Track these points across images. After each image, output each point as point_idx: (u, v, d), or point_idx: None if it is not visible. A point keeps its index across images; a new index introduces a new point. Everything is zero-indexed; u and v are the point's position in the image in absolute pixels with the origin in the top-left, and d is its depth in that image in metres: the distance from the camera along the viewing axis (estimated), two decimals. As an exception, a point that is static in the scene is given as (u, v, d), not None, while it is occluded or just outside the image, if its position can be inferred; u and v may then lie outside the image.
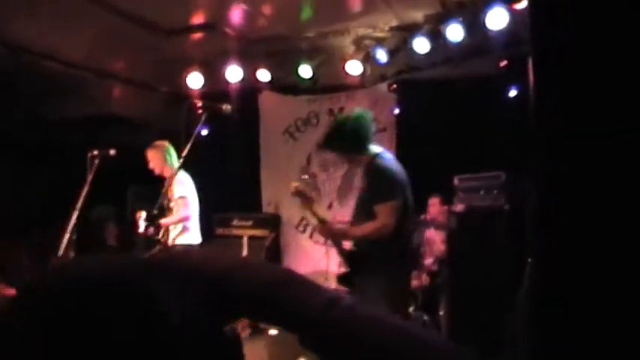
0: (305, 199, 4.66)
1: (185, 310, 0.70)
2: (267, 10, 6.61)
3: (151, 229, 5.86)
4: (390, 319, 0.86)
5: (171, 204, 6.06)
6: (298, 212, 8.44)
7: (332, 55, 7.64)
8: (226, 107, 4.75)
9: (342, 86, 8.22)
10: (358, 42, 7.33)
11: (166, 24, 6.83)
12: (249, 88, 8.27)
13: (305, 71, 7.78)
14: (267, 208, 8.70)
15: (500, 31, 6.12)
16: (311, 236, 8.33)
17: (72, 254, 5.20)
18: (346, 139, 4.43)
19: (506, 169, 5.88)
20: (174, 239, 6.07)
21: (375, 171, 4.36)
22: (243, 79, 7.96)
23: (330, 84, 8.26)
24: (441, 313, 6.24)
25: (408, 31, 6.86)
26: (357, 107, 7.83)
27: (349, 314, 0.84)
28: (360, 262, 4.41)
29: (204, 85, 7.98)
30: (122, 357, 0.64)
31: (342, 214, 7.60)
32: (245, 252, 7.88)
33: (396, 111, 7.69)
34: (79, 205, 5.19)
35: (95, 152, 5.57)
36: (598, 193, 1.15)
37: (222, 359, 0.75)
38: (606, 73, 1.14)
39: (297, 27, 7.02)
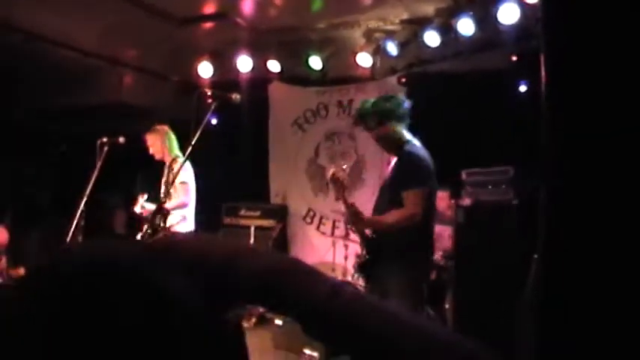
0: (340, 186, 4.63)
1: (188, 298, 0.70)
2: (278, 0, 6.61)
3: (147, 210, 5.87)
4: (395, 309, 0.86)
5: (170, 189, 5.98)
6: (305, 203, 8.47)
7: (342, 47, 7.63)
8: (236, 97, 4.74)
9: (351, 78, 8.21)
10: (369, 34, 7.32)
11: (178, 13, 6.83)
12: (259, 78, 8.27)
13: (315, 63, 7.77)
14: (275, 199, 8.71)
15: (511, 26, 6.10)
16: (318, 227, 8.35)
17: (80, 241, 5.23)
18: (387, 109, 4.43)
19: (515, 164, 5.87)
20: (171, 226, 5.97)
21: (405, 157, 4.34)
22: (253, 69, 7.97)
23: (339, 76, 8.25)
24: (447, 307, 6.24)
25: (419, 24, 6.85)
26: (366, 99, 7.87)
27: (353, 303, 0.84)
28: (380, 249, 4.40)
29: (214, 75, 8.00)
30: (129, 341, 0.64)
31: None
32: (252, 242, 7.90)
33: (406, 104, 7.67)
34: (87, 192, 5.21)
35: (104, 140, 5.58)
36: (608, 190, 1.15)
37: (224, 347, 0.76)
38: (619, 68, 1.14)
39: (307, 18, 7.01)
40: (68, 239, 5.07)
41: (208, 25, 7.26)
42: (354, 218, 4.43)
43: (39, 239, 7.77)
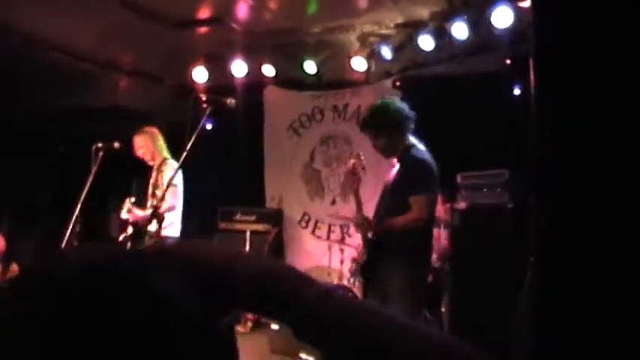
0: (356, 179, 4.65)
1: (183, 300, 0.70)
2: (272, 4, 6.62)
3: (134, 214, 5.78)
4: (390, 312, 0.86)
5: (158, 191, 5.88)
6: (301, 208, 8.47)
7: (337, 51, 7.64)
8: (230, 101, 4.75)
9: (346, 82, 8.22)
10: (363, 38, 7.33)
11: (174, 17, 6.84)
12: (254, 82, 8.27)
13: (310, 67, 7.79)
14: (271, 203, 8.71)
15: (505, 29, 6.12)
16: (313, 232, 8.35)
17: (76, 244, 5.22)
18: (391, 116, 4.45)
19: (510, 166, 5.88)
20: (159, 231, 5.87)
21: (411, 161, 4.38)
22: (248, 73, 7.98)
23: (334, 80, 8.26)
24: (444, 310, 6.24)
25: (414, 28, 6.86)
26: (361, 103, 7.89)
27: (345, 305, 0.84)
28: (381, 251, 4.43)
29: (209, 79, 8.01)
30: (127, 342, 0.64)
31: (346, 209, 7.60)
32: (248, 246, 7.90)
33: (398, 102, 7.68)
34: (83, 196, 5.21)
35: (99, 145, 5.58)
36: (598, 190, 1.16)
37: (216, 352, 0.76)
38: (606, 72, 1.15)
39: (302, 22, 7.03)
40: (63, 244, 5.07)
41: (203, 29, 7.28)
42: (364, 223, 4.46)
43: (37, 241, 7.75)
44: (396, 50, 7.22)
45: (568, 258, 1.19)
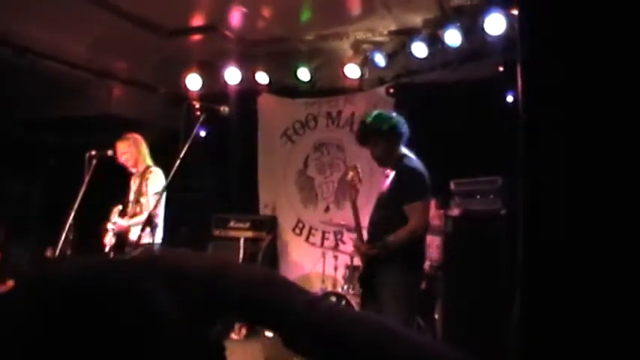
0: (354, 191, 4.71)
1: (172, 310, 0.71)
2: (266, 12, 6.64)
3: (118, 225, 5.73)
4: (377, 319, 0.87)
5: (142, 198, 5.79)
6: (295, 215, 8.46)
7: (331, 59, 7.66)
8: (224, 109, 4.76)
9: (340, 89, 8.23)
10: (357, 45, 7.35)
11: (167, 25, 6.85)
12: (248, 90, 8.28)
13: (303, 74, 7.80)
14: (265, 210, 8.70)
15: (498, 36, 6.14)
16: (307, 239, 8.34)
17: (69, 253, 5.20)
18: (391, 125, 4.55)
19: (503, 173, 5.89)
20: (141, 237, 5.74)
21: (405, 170, 4.48)
22: (241, 81, 7.99)
23: (328, 87, 8.27)
24: (437, 317, 6.24)
25: (407, 35, 6.89)
26: (355, 111, 7.91)
27: (333, 313, 0.84)
28: (378, 259, 4.47)
29: (203, 87, 8.00)
30: (116, 349, 0.65)
31: (340, 217, 7.61)
32: (242, 253, 7.89)
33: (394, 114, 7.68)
34: (76, 205, 5.20)
35: (93, 153, 5.57)
36: (586, 196, 1.17)
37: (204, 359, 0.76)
38: (594, 77, 1.16)
39: (296, 30, 7.05)
40: (57, 253, 5.05)
41: (197, 37, 7.29)
42: (368, 252, 4.51)
43: (28, 251, 7.72)
44: (390, 57, 7.24)
45: (555, 265, 1.20)
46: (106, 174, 5.58)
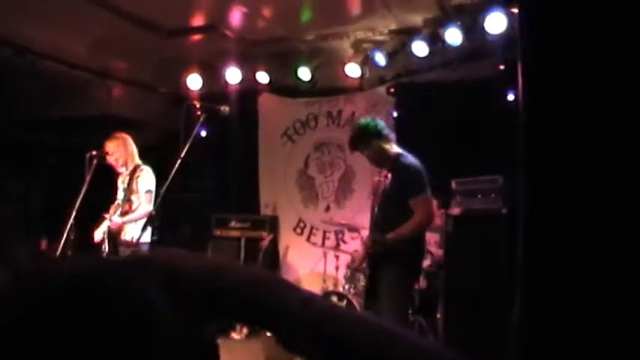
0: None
1: (166, 310, 0.71)
2: (266, 12, 6.63)
3: (114, 223, 5.71)
4: (373, 319, 0.86)
5: (133, 196, 5.83)
6: (295, 214, 8.46)
7: (331, 58, 7.65)
8: (224, 109, 4.76)
9: (340, 89, 8.22)
10: (357, 45, 7.35)
11: (167, 25, 6.85)
12: (248, 89, 8.28)
13: (304, 73, 7.80)
14: (265, 210, 8.69)
15: (498, 35, 6.13)
16: (308, 238, 8.34)
17: (70, 253, 5.20)
18: (371, 130, 4.72)
19: (504, 172, 5.88)
20: (138, 236, 5.44)
21: (403, 168, 4.59)
22: (242, 80, 7.98)
23: (328, 86, 8.26)
24: (439, 316, 6.23)
25: (407, 34, 6.88)
26: (355, 110, 7.91)
27: (327, 313, 0.83)
28: (381, 256, 4.59)
29: (203, 87, 8.00)
30: (112, 350, 0.65)
31: (340, 216, 7.62)
32: (243, 254, 7.89)
33: (395, 114, 7.69)
34: (77, 205, 5.20)
35: (93, 153, 5.58)
36: (584, 195, 1.16)
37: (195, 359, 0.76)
38: (593, 76, 1.15)
39: (296, 29, 7.04)
40: (58, 253, 5.05)
41: (197, 37, 7.28)
42: (380, 240, 4.59)
43: (27, 251, 7.73)
44: (390, 57, 7.23)
45: (555, 265, 1.20)
46: (107, 174, 5.58)
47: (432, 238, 6.64)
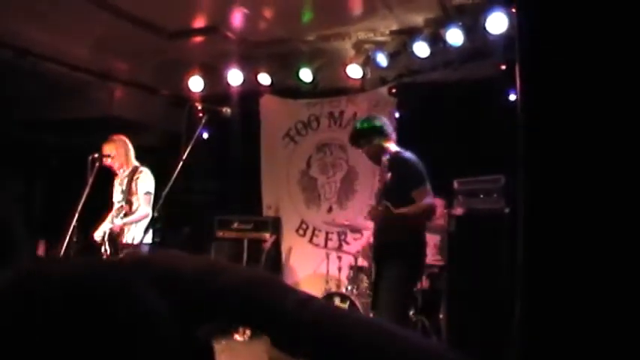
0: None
1: (162, 311, 0.71)
2: (267, 13, 6.63)
3: (116, 225, 5.73)
4: (372, 319, 0.86)
5: (132, 198, 5.85)
6: (298, 215, 8.46)
7: (332, 59, 7.65)
8: (226, 110, 4.77)
9: (342, 90, 8.23)
10: (359, 46, 7.35)
11: (169, 27, 6.85)
12: (250, 91, 8.28)
13: (305, 75, 7.80)
14: (268, 212, 8.69)
15: (500, 35, 6.13)
16: (311, 239, 8.34)
17: (73, 254, 5.21)
18: (371, 126, 4.91)
19: (506, 172, 5.88)
20: (140, 238, 5.62)
21: (402, 163, 4.68)
22: (243, 82, 7.99)
23: (330, 87, 8.27)
24: (442, 316, 6.23)
25: (409, 34, 6.88)
26: (357, 111, 7.91)
27: (325, 313, 0.83)
28: (385, 250, 4.71)
29: (205, 88, 8.00)
30: (114, 346, 0.66)
31: (343, 217, 7.62)
32: (245, 255, 7.89)
33: (396, 114, 7.69)
34: (79, 207, 5.21)
35: (95, 155, 5.59)
36: (584, 194, 1.16)
37: None
38: (591, 77, 1.15)
39: (297, 30, 7.04)
40: (61, 254, 5.06)
41: (198, 38, 7.29)
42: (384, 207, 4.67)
43: (29, 254, 7.72)
44: (392, 57, 7.22)
45: (555, 265, 1.19)
46: (107, 176, 5.59)
47: (431, 240, 6.63)
